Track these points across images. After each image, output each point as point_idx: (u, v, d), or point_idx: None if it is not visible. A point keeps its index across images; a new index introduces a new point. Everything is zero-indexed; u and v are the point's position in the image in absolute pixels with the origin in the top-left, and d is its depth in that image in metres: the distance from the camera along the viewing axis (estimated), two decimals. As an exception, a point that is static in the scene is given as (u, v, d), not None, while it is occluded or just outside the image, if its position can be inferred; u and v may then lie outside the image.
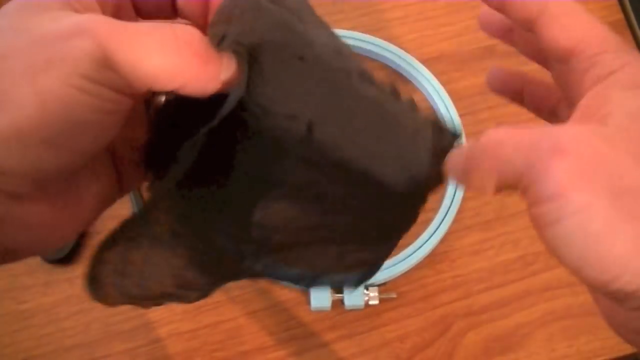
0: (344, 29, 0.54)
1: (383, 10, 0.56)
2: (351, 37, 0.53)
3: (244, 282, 0.47)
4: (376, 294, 0.46)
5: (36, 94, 0.19)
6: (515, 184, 0.19)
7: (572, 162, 0.17)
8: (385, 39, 0.54)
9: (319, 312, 0.47)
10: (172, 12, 0.25)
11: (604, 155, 0.18)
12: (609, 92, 0.20)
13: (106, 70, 0.19)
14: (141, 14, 0.24)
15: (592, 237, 0.17)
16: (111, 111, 0.20)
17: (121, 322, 0.46)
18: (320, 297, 0.45)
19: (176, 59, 0.20)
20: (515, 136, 0.19)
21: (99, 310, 0.46)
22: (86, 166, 0.23)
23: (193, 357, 0.46)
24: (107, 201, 0.25)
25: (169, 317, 0.47)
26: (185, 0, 0.24)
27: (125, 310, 0.46)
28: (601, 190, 0.17)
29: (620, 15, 0.57)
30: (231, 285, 0.47)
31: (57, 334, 0.46)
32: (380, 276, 0.46)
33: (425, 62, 0.53)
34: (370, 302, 0.46)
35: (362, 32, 0.54)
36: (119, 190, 0.25)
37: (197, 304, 0.47)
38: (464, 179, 0.21)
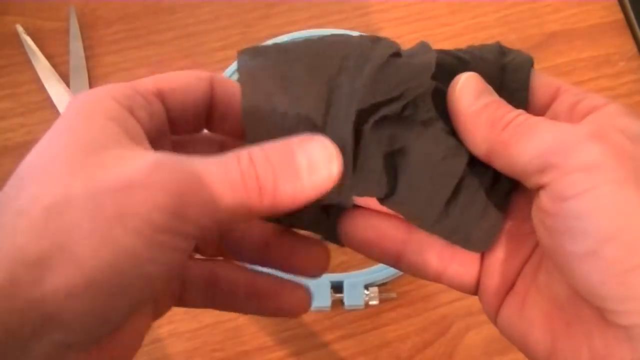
0: (344, 29, 0.54)
1: (383, 10, 0.56)
2: (351, 37, 0.53)
3: (244, 282, 0.47)
4: (376, 294, 0.46)
5: (107, 246, 0.18)
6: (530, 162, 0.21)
7: (610, 144, 0.20)
8: (385, 39, 0.53)
9: (319, 312, 0.47)
10: (203, 127, 0.25)
11: (628, 147, 0.20)
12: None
13: (176, 220, 0.19)
14: (176, 129, 0.24)
15: (629, 206, 0.19)
16: (179, 250, 0.20)
17: (121, 322, 0.46)
18: (320, 297, 0.45)
19: (245, 199, 0.20)
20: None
21: (99, 310, 0.46)
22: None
23: (193, 357, 0.46)
24: (144, 335, 0.25)
25: (169, 317, 0.47)
26: (224, 117, 0.24)
27: (126, 310, 0.46)
28: (634, 172, 0.19)
29: (620, 15, 0.57)
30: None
31: (57, 334, 0.46)
32: (380, 276, 0.46)
33: (425, 62, 0.53)
34: (370, 302, 0.46)
35: (362, 32, 0.54)
36: (151, 323, 0.25)
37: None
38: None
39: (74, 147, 0.20)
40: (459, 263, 0.25)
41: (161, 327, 0.46)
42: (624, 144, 0.20)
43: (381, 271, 0.47)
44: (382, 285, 0.47)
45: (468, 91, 0.23)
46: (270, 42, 0.53)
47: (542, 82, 0.24)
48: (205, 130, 0.26)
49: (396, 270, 0.47)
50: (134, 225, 0.18)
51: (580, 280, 0.20)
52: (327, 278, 0.46)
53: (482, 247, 0.24)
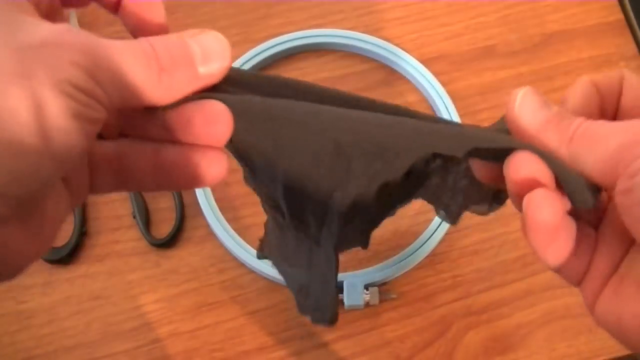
0: (344, 29, 0.54)
1: (383, 10, 0.56)
2: (351, 37, 0.53)
3: (244, 282, 0.47)
4: (376, 294, 0.46)
5: (30, 99, 0.18)
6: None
7: None
8: (385, 39, 0.54)
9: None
10: None
11: None
12: None
13: (91, 80, 0.19)
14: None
15: None
16: (94, 120, 0.20)
17: (121, 322, 0.46)
18: (320, 297, 0.45)
19: (147, 76, 0.21)
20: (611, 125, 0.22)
21: (99, 310, 0.46)
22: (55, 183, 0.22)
23: (193, 357, 0.46)
24: (62, 221, 0.24)
25: (169, 317, 0.47)
26: None
27: (125, 310, 0.46)
28: None
29: (620, 15, 0.57)
30: (231, 285, 0.47)
31: (57, 334, 0.46)
32: (380, 276, 0.46)
33: (425, 62, 0.53)
34: (370, 302, 0.46)
35: (362, 32, 0.54)
36: (69, 210, 0.25)
37: (197, 303, 0.47)
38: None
39: None
40: (579, 254, 0.25)
41: (161, 327, 0.46)
42: None
43: (381, 271, 0.47)
44: (382, 285, 0.47)
45: (527, 108, 0.24)
46: (269, 42, 0.53)
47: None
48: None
49: (396, 270, 0.47)
50: (53, 80, 0.18)
51: None
52: (327, 278, 0.46)
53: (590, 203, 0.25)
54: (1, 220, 0.19)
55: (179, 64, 0.21)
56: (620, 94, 0.25)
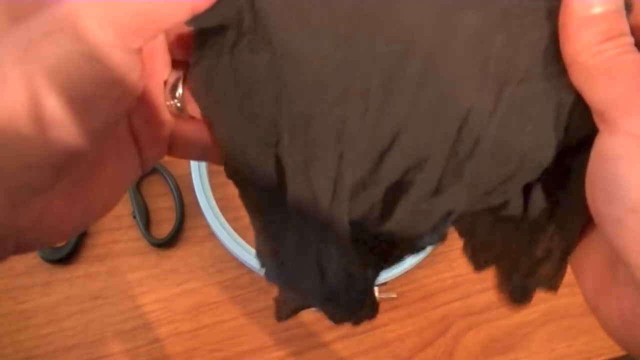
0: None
1: (383, 10, 0.56)
2: (351, 37, 0.53)
3: (244, 282, 0.47)
4: (376, 294, 0.46)
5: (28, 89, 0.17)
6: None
7: None
8: (385, 39, 0.53)
9: (319, 312, 0.47)
10: None
11: None
12: None
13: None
14: None
15: None
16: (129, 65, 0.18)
17: (121, 322, 0.46)
18: (320, 297, 0.45)
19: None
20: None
21: (99, 310, 0.46)
22: (109, 147, 0.21)
23: (193, 357, 0.46)
24: (129, 181, 0.23)
25: (169, 317, 0.47)
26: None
27: (125, 310, 0.46)
28: None
29: (620, 16, 0.57)
30: (231, 285, 0.47)
31: (57, 334, 0.46)
32: (380, 276, 0.46)
33: (425, 62, 0.53)
34: (370, 302, 0.46)
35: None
36: (140, 168, 0.24)
37: (197, 303, 0.47)
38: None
39: None
40: None
41: (161, 327, 0.46)
42: None
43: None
44: (382, 285, 0.47)
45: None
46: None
47: None
48: None
49: (396, 271, 0.47)
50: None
51: (610, 241, 0.19)
52: (327, 278, 0.46)
53: None
54: (40, 189, 0.19)
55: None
56: None
